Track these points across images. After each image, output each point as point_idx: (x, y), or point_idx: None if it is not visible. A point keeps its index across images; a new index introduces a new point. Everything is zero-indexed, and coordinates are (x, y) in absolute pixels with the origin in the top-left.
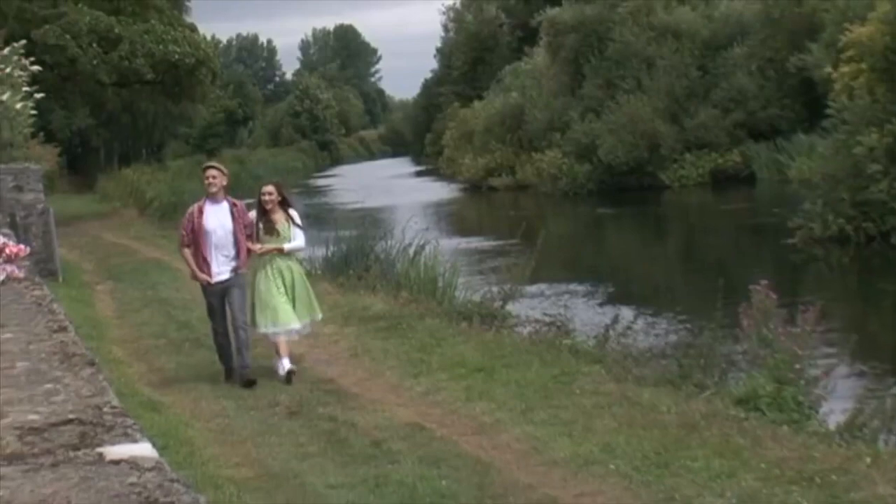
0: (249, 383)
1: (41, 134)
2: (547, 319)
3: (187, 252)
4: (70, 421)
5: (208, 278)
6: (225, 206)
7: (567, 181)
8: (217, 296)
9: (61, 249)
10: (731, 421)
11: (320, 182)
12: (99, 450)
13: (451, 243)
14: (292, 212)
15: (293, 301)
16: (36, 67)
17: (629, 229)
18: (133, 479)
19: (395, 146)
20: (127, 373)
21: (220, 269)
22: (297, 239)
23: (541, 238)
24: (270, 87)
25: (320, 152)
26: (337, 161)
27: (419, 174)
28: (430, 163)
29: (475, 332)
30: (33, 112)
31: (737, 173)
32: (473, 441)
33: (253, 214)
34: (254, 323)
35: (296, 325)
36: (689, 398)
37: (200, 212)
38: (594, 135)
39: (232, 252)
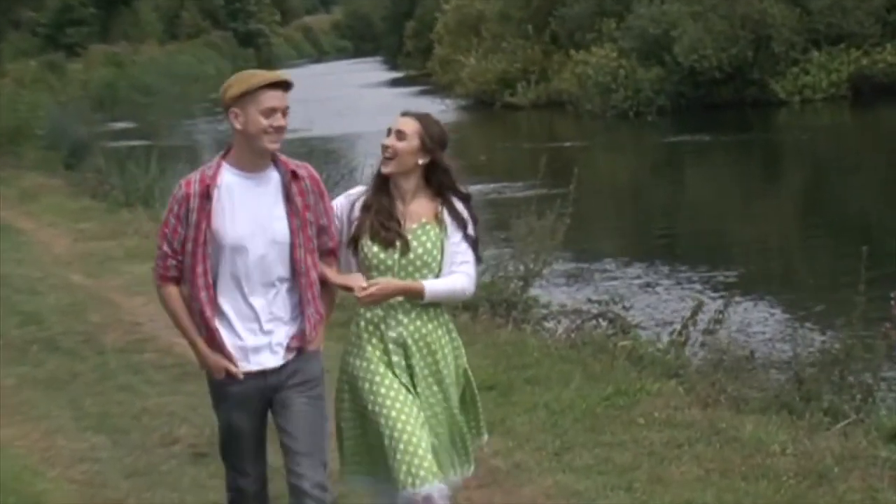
0: None
1: None
2: (593, 309)
3: (174, 295)
4: None
5: (231, 366)
6: (272, 178)
7: (626, 94)
8: (246, 407)
9: None
10: (879, 467)
11: None
12: None
13: None
14: (457, 203)
15: (432, 427)
16: None
17: (722, 169)
18: None
19: (358, 41)
20: None
21: (260, 343)
22: (460, 271)
23: (573, 183)
24: None
25: (242, 50)
26: (268, 63)
27: (396, 83)
28: (414, 66)
29: (483, 328)
30: None
31: (891, 81)
32: (482, 497)
33: (349, 197)
34: (344, 470)
35: (433, 484)
36: (814, 431)
37: (207, 194)
38: (668, 22)
39: (287, 298)
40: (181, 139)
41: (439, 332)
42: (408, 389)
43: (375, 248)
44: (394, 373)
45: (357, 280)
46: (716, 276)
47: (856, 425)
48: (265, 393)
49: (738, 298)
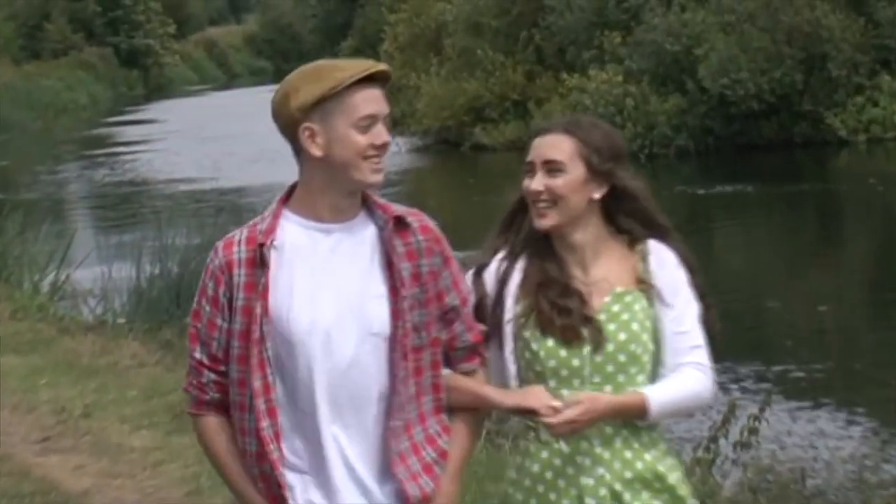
0: None
1: None
2: None
3: (216, 428)
4: None
5: None
6: (365, 232)
7: (635, 131)
8: None
9: None
10: None
11: (125, 133)
12: None
13: None
14: (663, 248)
15: None
16: None
17: (762, 229)
18: None
19: (280, 60)
20: None
21: (339, 487)
22: (690, 362)
23: None
24: None
25: (125, 71)
26: (159, 89)
27: None
28: None
29: None
30: None
31: None
32: None
33: (494, 273)
34: None
35: None
36: None
37: (261, 261)
38: (690, 36)
39: (381, 422)
40: (45, 190)
41: (661, 467)
42: None
43: (551, 344)
44: None
45: (540, 397)
46: (755, 372)
47: None
48: None
49: (784, 402)
